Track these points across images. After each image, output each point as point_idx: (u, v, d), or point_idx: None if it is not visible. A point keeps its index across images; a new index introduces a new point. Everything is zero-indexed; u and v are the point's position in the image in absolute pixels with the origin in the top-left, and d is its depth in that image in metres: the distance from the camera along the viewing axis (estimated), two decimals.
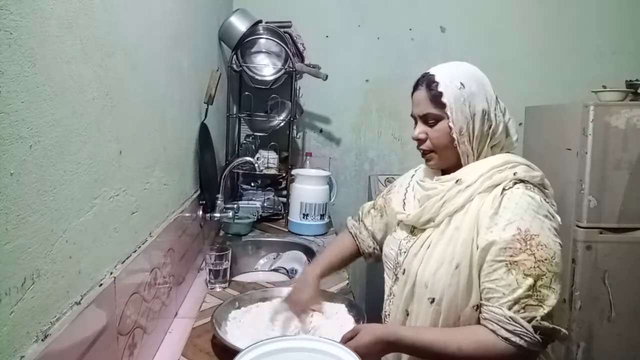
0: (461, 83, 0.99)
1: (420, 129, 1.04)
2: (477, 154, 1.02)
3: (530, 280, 0.87)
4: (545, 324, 0.86)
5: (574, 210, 2.05)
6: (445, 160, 1.04)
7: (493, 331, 0.88)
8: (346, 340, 0.95)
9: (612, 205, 2.01)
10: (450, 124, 0.99)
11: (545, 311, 0.87)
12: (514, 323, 0.86)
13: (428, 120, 1.02)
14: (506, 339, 0.86)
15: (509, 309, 0.87)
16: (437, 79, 1.00)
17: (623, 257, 2.02)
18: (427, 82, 1.02)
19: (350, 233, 1.33)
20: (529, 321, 0.86)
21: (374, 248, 1.28)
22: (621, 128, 1.98)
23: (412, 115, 1.08)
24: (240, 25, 2.09)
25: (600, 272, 2.03)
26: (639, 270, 2.03)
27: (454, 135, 0.99)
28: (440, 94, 0.99)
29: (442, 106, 0.99)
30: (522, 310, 0.87)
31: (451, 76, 1.00)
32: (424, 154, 1.07)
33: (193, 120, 1.56)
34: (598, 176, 2.00)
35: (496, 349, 0.87)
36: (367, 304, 2.48)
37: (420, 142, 1.05)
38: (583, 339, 2.05)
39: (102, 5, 0.76)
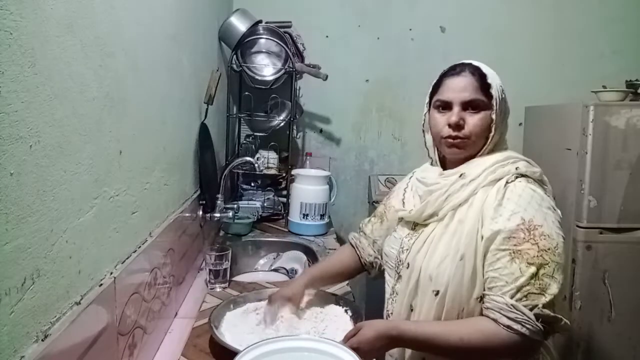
0: (500, 84, 1.04)
1: (460, 115, 1.01)
2: (481, 150, 1.05)
3: (533, 269, 0.88)
4: (547, 312, 0.87)
5: (574, 210, 2.05)
6: (476, 148, 1.04)
7: (495, 320, 0.89)
8: (349, 337, 0.95)
9: (612, 205, 2.01)
10: (493, 115, 1.01)
11: (547, 299, 0.87)
12: (515, 311, 0.87)
13: (472, 106, 1.01)
14: (508, 326, 0.87)
15: (511, 297, 0.88)
16: (484, 70, 1.02)
17: (623, 257, 2.02)
18: (473, 70, 1.03)
19: (351, 244, 1.32)
20: (531, 309, 0.87)
21: (375, 257, 1.27)
22: (621, 128, 1.98)
23: (442, 101, 1.03)
24: (240, 25, 2.09)
25: (600, 272, 2.03)
26: (639, 270, 2.03)
27: (493, 126, 1.02)
28: (489, 85, 1.01)
29: (490, 97, 1.01)
30: (524, 299, 0.88)
31: (493, 73, 1.04)
32: (454, 141, 1.02)
33: (193, 120, 1.56)
34: (598, 176, 2.00)
35: (498, 337, 0.88)
36: (367, 304, 2.48)
37: (459, 127, 1.01)
38: (583, 339, 2.05)
39: (102, 5, 0.76)
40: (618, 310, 2.03)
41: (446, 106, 1.03)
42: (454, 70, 1.04)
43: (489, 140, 1.03)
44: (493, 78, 1.03)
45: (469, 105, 1.01)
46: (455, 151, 1.04)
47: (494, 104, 1.01)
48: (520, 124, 2.54)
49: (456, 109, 1.02)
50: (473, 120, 1.01)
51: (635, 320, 2.05)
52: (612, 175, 2.00)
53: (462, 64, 1.05)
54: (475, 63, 1.05)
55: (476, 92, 1.01)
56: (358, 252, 1.29)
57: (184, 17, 1.38)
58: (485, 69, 1.04)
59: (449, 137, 1.03)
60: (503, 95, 1.03)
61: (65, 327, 0.64)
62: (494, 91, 1.01)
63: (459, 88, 1.02)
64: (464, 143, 1.03)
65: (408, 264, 1.05)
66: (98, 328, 0.75)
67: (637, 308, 2.04)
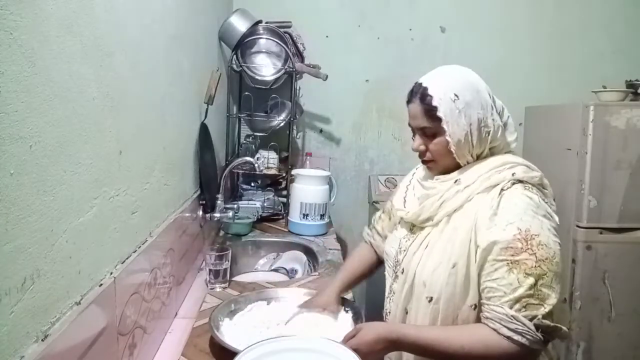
0: (455, 94, 0.98)
1: (419, 142, 1.05)
2: (477, 157, 1.02)
3: (531, 280, 0.88)
4: (547, 322, 0.87)
5: (574, 210, 2.05)
6: (446, 166, 1.05)
7: (495, 330, 0.88)
8: (348, 339, 0.95)
9: (612, 205, 2.01)
10: (448, 138, 0.98)
11: (546, 310, 0.87)
12: (515, 322, 0.87)
13: (426, 133, 1.02)
14: (508, 337, 0.87)
15: (510, 307, 0.88)
16: (430, 92, 0.99)
17: (623, 257, 2.02)
18: (420, 95, 1.00)
19: (367, 242, 1.33)
20: (531, 320, 0.87)
21: None
22: (621, 128, 1.98)
23: (409, 125, 1.07)
24: (240, 25, 2.09)
25: (600, 272, 2.03)
26: (639, 270, 2.03)
27: (452, 148, 0.99)
28: (435, 108, 0.98)
29: (438, 120, 0.98)
30: (524, 309, 0.87)
31: (444, 88, 0.98)
32: (424, 162, 1.08)
33: (193, 120, 1.56)
34: (598, 176, 2.00)
35: (499, 347, 0.88)
36: (367, 303, 2.48)
37: (421, 153, 1.06)
38: (583, 339, 2.05)
39: (102, 5, 0.76)
40: (618, 310, 2.03)
41: (413, 131, 1.07)
42: (410, 94, 1.04)
43: (465, 156, 1.01)
44: (443, 95, 0.97)
45: (423, 133, 1.03)
46: (431, 170, 1.09)
47: (444, 127, 0.98)
48: (520, 124, 2.54)
49: (417, 135, 1.05)
50: (431, 146, 1.03)
51: (635, 320, 2.05)
52: (612, 175, 2.00)
53: (416, 86, 1.03)
54: (426, 81, 1.01)
55: (423, 119, 1.01)
56: (374, 249, 1.30)
57: (184, 17, 1.38)
58: (433, 88, 0.99)
59: (420, 158, 1.08)
60: (459, 109, 0.97)
61: (65, 327, 0.64)
62: (441, 113, 0.97)
63: (412, 116, 1.04)
64: (432, 164, 1.06)
65: (403, 269, 1.05)
66: (98, 328, 0.75)
67: (637, 308, 2.04)
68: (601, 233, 2.02)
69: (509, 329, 0.87)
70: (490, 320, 0.90)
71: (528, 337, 0.86)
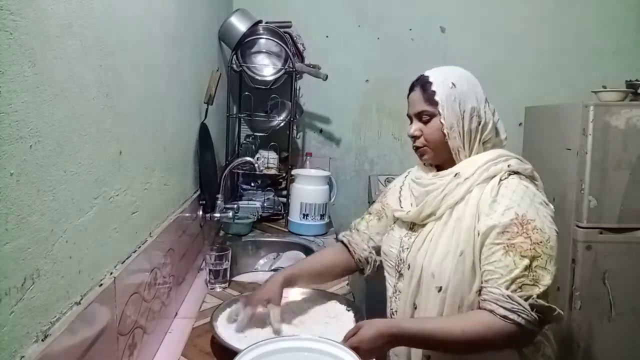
0: (453, 83, 1.06)
1: (416, 127, 1.11)
2: (470, 149, 1.07)
3: (526, 261, 0.92)
4: (541, 302, 0.90)
5: (574, 210, 2.05)
6: (438, 155, 1.10)
7: (491, 311, 0.91)
8: (349, 337, 0.95)
9: (612, 205, 2.01)
10: (442, 120, 1.05)
11: (541, 290, 0.91)
12: (511, 301, 0.90)
13: (422, 117, 1.09)
14: (504, 316, 0.90)
15: (507, 288, 0.91)
16: (431, 79, 1.08)
17: (623, 257, 2.02)
18: (421, 83, 1.09)
19: (342, 242, 1.30)
20: (526, 299, 0.90)
21: (370, 252, 1.26)
22: (621, 128, 1.98)
23: (408, 115, 1.14)
24: (240, 25, 2.09)
25: (600, 272, 2.03)
26: (639, 270, 2.03)
27: (445, 131, 1.05)
28: (434, 92, 1.06)
29: (435, 104, 1.06)
30: (519, 290, 0.91)
31: (444, 77, 1.07)
32: (418, 149, 1.12)
33: (193, 120, 1.56)
34: (598, 176, 2.00)
35: (496, 327, 0.90)
36: (367, 304, 2.48)
37: (416, 138, 1.11)
38: (583, 339, 2.05)
39: (102, 5, 0.76)
40: (618, 310, 2.03)
41: (411, 120, 1.13)
42: (412, 85, 1.13)
43: (457, 141, 1.05)
44: (442, 83, 1.06)
45: (420, 117, 1.09)
46: (423, 158, 1.13)
47: (440, 110, 1.05)
48: (520, 124, 2.54)
49: (414, 121, 1.12)
50: (426, 130, 1.09)
51: (635, 320, 2.04)
52: (612, 175, 2.00)
53: (418, 77, 1.12)
54: (428, 72, 1.10)
55: (422, 103, 1.08)
56: (351, 248, 1.28)
57: (183, 17, 1.38)
58: (434, 76, 1.08)
59: (414, 146, 1.13)
60: (455, 96, 1.05)
61: (65, 327, 0.64)
62: (438, 97, 1.05)
63: (412, 103, 1.12)
64: (424, 150, 1.11)
65: (409, 265, 1.07)
66: (98, 328, 0.75)
67: (637, 308, 2.04)
68: (601, 233, 2.02)
69: (505, 308, 0.90)
70: (488, 302, 0.93)
71: (523, 316, 0.89)
